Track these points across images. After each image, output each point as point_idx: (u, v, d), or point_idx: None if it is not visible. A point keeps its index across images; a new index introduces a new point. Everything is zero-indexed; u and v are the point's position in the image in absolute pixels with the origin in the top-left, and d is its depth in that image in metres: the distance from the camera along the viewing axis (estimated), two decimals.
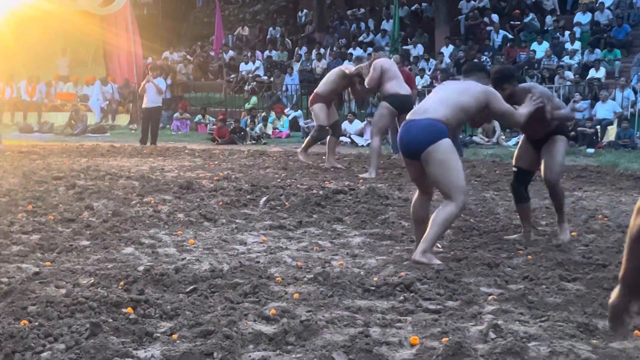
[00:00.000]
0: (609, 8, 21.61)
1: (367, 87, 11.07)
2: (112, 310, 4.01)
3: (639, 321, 3.00)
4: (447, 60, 21.41)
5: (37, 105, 23.92)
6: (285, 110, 21.02)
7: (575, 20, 21.61)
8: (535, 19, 22.43)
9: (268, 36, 27.33)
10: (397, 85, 10.88)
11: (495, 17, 22.75)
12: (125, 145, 15.72)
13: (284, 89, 22.81)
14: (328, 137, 11.80)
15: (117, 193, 8.19)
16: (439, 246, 5.97)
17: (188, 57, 25.80)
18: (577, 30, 21.08)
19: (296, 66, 23.41)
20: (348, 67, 12.11)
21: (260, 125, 19.70)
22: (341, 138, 17.32)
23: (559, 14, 22.93)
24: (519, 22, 22.75)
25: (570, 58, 19.82)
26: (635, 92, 17.44)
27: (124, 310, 4.00)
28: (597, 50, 19.76)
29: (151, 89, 16.17)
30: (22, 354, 3.41)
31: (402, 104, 10.58)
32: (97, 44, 25.54)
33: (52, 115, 23.69)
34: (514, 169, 6.36)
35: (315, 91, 11.96)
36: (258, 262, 5.33)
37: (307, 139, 12.44)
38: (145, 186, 8.72)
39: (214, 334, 3.63)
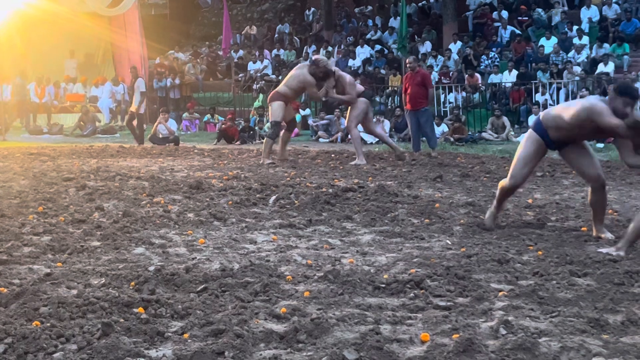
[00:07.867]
0: (616, 2, 21.52)
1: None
2: (124, 310, 4.03)
3: None
4: (454, 56, 21.37)
5: (46, 107, 23.98)
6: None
7: (582, 15, 21.51)
8: (544, 15, 22.36)
9: (276, 35, 27.32)
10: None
11: (504, 14, 22.69)
12: (134, 146, 15.77)
13: None
14: (282, 132, 12.51)
15: (127, 193, 8.21)
16: (449, 242, 5.98)
17: (194, 59, 25.81)
18: (586, 25, 20.98)
19: None
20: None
21: (269, 124, 19.64)
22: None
23: (567, 9, 22.85)
24: (527, 18, 22.68)
25: (578, 53, 19.75)
26: None
27: (135, 310, 4.02)
28: (606, 45, 19.67)
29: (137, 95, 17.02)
30: (34, 354, 3.43)
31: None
32: (106, 45, 25.58)
33: (61, 116, 23.76)
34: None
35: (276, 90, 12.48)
36: (268, 260, 5.34)
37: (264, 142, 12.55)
38: (155, 186, 8.74)
39: (225, 333, 3.64)
